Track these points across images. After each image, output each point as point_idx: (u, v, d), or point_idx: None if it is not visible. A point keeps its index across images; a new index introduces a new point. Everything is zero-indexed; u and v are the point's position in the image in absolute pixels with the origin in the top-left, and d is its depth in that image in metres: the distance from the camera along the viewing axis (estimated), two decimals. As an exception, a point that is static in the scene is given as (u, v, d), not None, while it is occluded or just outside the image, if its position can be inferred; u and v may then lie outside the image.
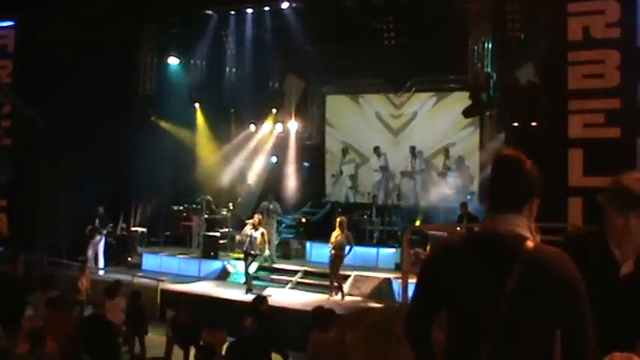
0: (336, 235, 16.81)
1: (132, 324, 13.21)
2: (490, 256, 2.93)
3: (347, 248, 16.69)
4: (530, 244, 2.89)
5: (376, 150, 22.25)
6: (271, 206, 20.04)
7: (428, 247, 16.79)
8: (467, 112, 18.93)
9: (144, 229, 21.90)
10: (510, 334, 2.75)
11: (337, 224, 17.03)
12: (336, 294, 16.67)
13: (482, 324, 2.82)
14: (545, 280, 2.79)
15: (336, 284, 16.82)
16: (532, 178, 2.97)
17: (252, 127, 23.75)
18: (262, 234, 17.36)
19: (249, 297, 16.62)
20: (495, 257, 2.91)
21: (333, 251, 16.72)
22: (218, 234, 21.37)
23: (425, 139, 21.88)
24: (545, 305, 2.76)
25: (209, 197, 21.99)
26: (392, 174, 22.21)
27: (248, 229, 17.50)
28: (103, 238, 19.53)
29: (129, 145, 20.59)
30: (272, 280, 18.56)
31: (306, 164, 24.16)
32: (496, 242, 2.94)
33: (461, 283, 2.96)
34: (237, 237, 19.48)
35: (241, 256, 18.63)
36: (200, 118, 23.32)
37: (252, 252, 17.26)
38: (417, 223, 19.55)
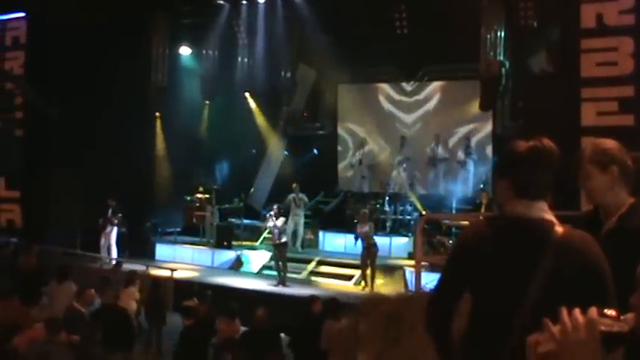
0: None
1: (151, 314, 13.31)
2: (520, 241, 2.96)
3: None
4: (559, 229, 2.93)
5: (402, 139, 22.01)
6: (299, 197, 20.20)
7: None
8: (483, 105, 18.89)
9: (157, 220, 21.99)
10: (539, 320, 2.76)
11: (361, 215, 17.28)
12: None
13: (509, 310, 2.83)
14: (577, 264, 2.83)
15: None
16: (556, 167, 3.03)
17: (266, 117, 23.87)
18: (283, 222, 17.50)
19: (265, 287, 16.75)
20: (525, 243, 2.94)
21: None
22: (231, 224, 21.46)
23: (438, 129, 21.80)
24: (575, 290, 2.73)
25: (217, 187, 22.04)
26: (411, 163, 22.05)
27: (270, 221, 17.55)
28: (115, 228, 19.60)
29: (141, 135, 20.68)
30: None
31: (315, 152, 24.15)
32: (526, 227, 2.97)
33: (489, 267, 2.99)
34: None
35: (254, 244, 18.80)
36: (212, 112, 23.36)
37: (279, 241, 17.30)
38: (417, 204, 19.55)
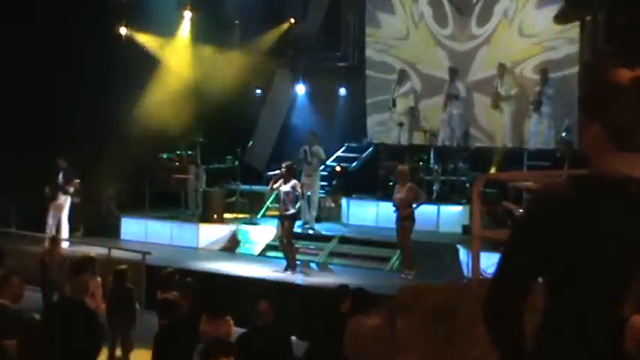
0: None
1: (116, 313, 13.23)
2: (620, 210, 2.92)
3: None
4: None
5: (452, 72, 21.80)
6: (312, 151, 19.89)
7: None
8: (560, 17, 18.61)
9: (123, 186, 21.90)
10: None
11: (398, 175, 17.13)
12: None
13: (614, 290, 2.82)
14: None
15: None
16: None
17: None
18: (294, 186, 17.29)
19: (271, 274, 16.74)
20: (628, 212, 2.90)
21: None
22: (223, 190, 21.41)
23: (502, 56, 21.54)
24: None
25: (201, 139, 21.88)
26: (465, 104, 21.76)
27: (277, 185, 17.40)
28: (69, 199, 19.50)
29: (96, 67, 20.49)
30: (297, 250, 18.56)
31: (341, 93, 24.02)
32: (628, 192, 2.92)
33: (582, 241, 2.95)
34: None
35: (254, 217, 18.78)
36: (192, 30, 23.14)
37: (288, 212, 17.24)
38: (493, 170, 19.38)
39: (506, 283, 3.19)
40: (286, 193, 17.12)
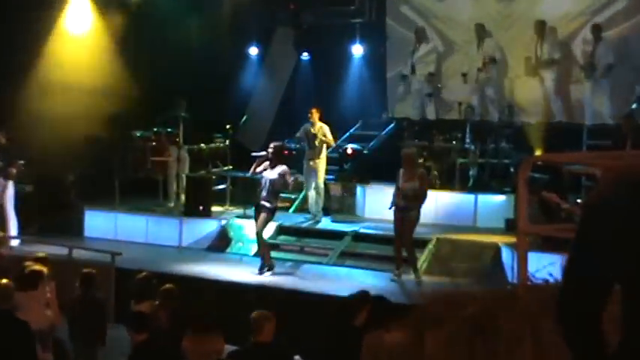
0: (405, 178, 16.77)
1: (79, 328, 13.12)
2: None
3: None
4: None
5: (479, 30, 21.80)
6: (317, 129, 19.79)
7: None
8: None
9: (87, 171, 21.81)
10: None
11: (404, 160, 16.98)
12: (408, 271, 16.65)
13: None
14: None
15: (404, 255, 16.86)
16: None
17: None
18: (282, 174, 17.09)
19: (268, 279, 16.66)
20: None
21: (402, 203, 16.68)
22: (211, 176, 21.36)
23: (553, 11, 21.44)
24: None
25: (183, 113, 21.73)
26: (500, 70, 21.75)
27: (260, 169, 17.27)
28: (11, 184, 19.29)
29: (42, 19, 20.47)
30: (302, 250, 18.51)
31: (355, 56, 23.97)
32: None
33: None
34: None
35: (248, 209, 18.68)
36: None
37: (268, 204, 17.09)
38: (541, 151, 19.30)
39: (580, 283, 3.29)
40: (271, 181, 16.91)
